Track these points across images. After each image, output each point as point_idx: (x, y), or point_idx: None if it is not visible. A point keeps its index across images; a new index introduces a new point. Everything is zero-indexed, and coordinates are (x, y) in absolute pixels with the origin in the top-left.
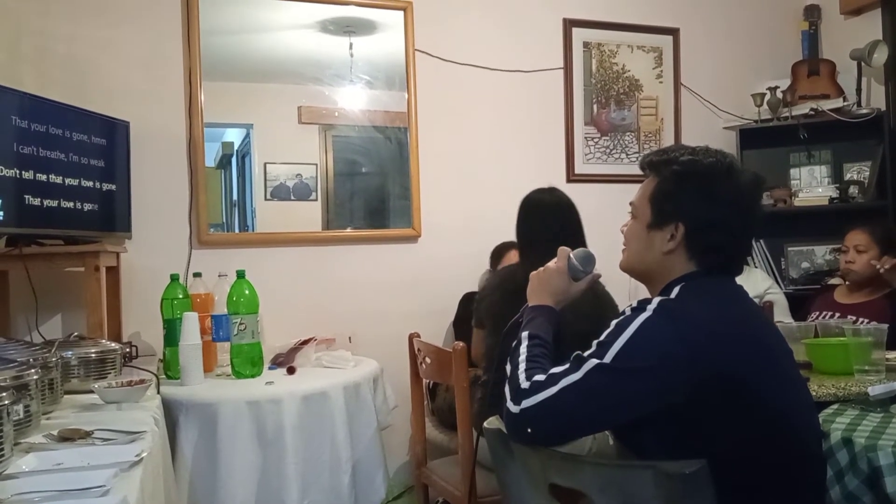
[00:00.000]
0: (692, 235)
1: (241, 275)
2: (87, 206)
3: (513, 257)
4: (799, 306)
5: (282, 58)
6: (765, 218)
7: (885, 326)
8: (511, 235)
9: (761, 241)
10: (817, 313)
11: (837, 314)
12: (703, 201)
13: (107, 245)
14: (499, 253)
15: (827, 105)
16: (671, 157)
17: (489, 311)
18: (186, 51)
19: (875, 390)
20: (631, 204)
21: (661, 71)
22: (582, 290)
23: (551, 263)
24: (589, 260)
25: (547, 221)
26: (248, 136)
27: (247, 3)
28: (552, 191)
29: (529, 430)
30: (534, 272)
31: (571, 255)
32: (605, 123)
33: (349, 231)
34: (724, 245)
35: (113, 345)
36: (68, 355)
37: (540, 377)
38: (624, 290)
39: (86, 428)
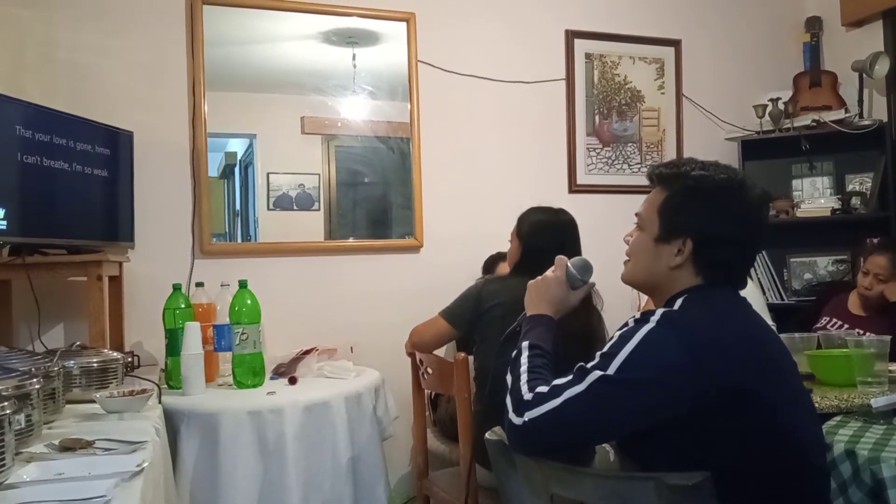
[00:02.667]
0: (700, 250)
1: (243, 284)
2: (91, 216)
3: (504, 268)
4: (803, 317)
5: (285, 68)
6: (770, 231)
7: (888, 338)
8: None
9: (763, 252)
10: (827, 319)
11: (847, 325)
12: (713, 217)
13: (109, 254)
14: (493, 263)
15: (829, 116)
16: (682, 170)
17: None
18: (190, 61)
19: (878, 402)
20: (637, 215)
21: (663, 82)
22: (580, 299)
23: (549, 272)
24: (587, 269)
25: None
26: (251, 146)
27: (250, 14)
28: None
29: (532, 442)
30: (532, 281)
31: (569, 264)
32: (607, 134)
33: (351, 241)
34: (732, 260)
35: (115, 354)
36: (70, 365)
37: (543, 388)
38: (627, 300)
39: (87, 437)
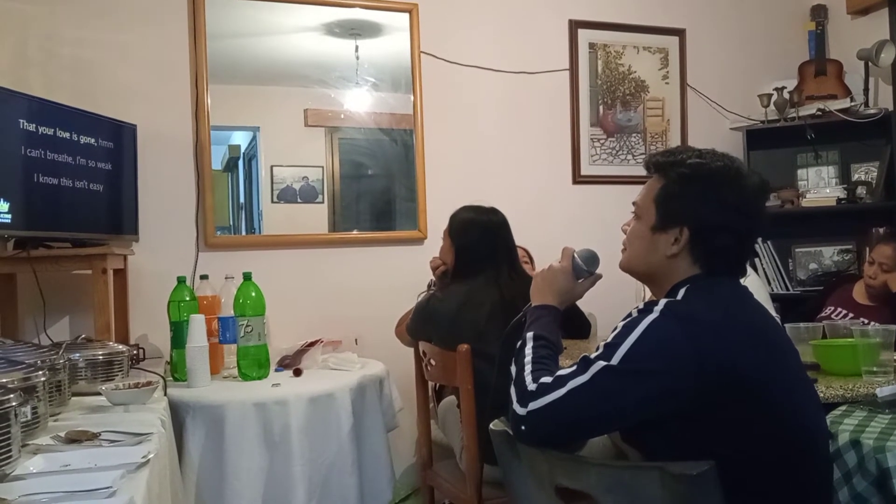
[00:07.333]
0: (697, 239)
1: (247, 277)
2: (95, 209)
3: None
4: (808, 307)
5: (288, 61)
6: (770, 220)
7: (894, 328)
8: (516, 238)
9: (768, 242)
10: (832, 308)
11: (851, 314)
12: (709, 205)
13: (114, 248)
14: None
15: (834, 105)
16: (678, 158)
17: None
18: (193, 54)
19: (883, 392)
20: (634, 203)
21: (668, 72)
22: (586, 290)
23: (555, 263)
24: (593, 260)
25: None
26: (254, 138)
27: (253, 7)
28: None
29: (536, 432)
30: (538, 271)
31: (576, 255)
32: (611, 124)
33: (355, 233)
34: (729, 249)
35: (120, 347)
36: (76, 357)
37: (546, 379)
38: (631, 291)
39: (93, 429)
